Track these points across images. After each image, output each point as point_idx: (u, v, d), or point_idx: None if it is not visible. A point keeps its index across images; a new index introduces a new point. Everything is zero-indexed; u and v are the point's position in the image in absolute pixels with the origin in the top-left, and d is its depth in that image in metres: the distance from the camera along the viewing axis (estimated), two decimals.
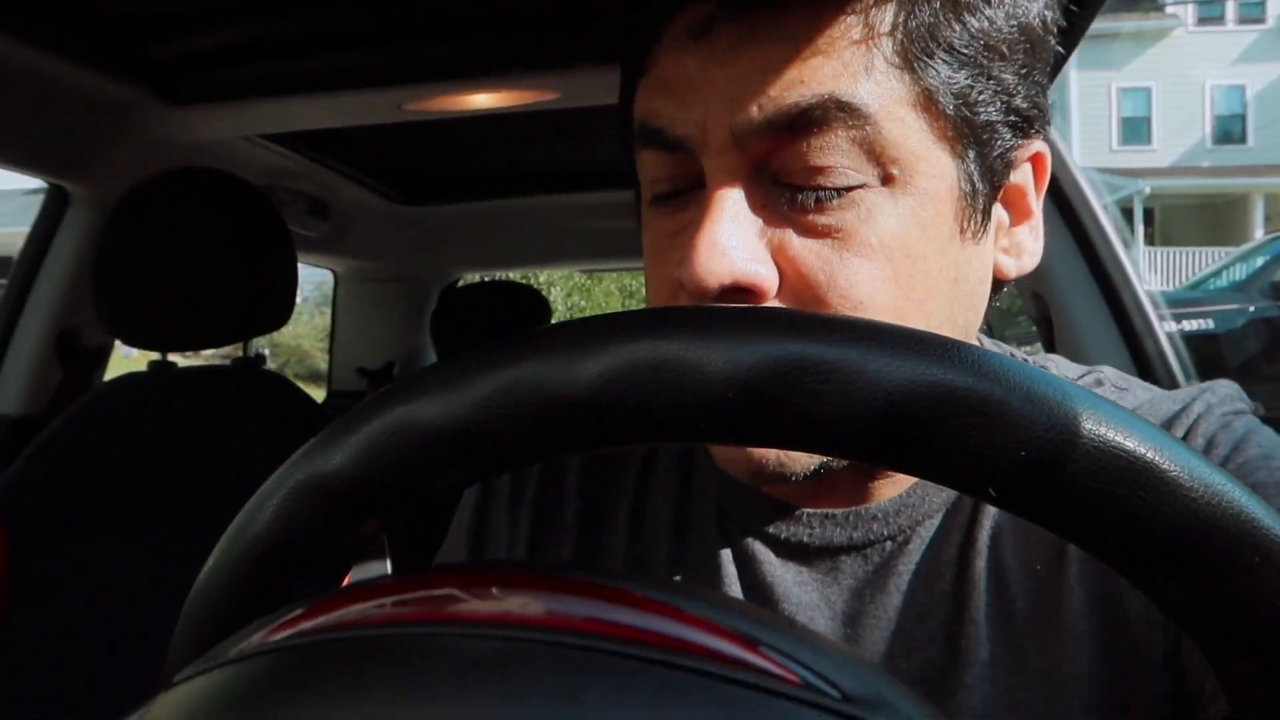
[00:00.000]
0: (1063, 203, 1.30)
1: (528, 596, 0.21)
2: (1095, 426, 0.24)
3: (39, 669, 1.21)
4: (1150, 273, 16.45)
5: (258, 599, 0.32)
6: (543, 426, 0.28)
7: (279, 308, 1.34)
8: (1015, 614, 0.50)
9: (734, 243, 0.46)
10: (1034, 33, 0.49)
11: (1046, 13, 0.51)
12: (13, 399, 1.61)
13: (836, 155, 0.45)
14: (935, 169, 0.47)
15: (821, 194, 0.46)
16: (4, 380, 1.60)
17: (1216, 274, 9.03)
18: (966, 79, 0.47)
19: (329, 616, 0.21)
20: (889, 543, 0.54)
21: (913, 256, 0.47)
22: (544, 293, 3.01)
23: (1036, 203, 0.54)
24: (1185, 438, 0.52)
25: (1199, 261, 15.63)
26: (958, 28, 0.46)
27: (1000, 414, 0.24)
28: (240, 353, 1.49)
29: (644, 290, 0.58)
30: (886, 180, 0.46)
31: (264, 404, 1.35)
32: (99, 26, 1.32)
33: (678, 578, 0.58)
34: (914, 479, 0.55)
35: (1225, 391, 0.55)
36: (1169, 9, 18.91)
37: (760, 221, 0.47)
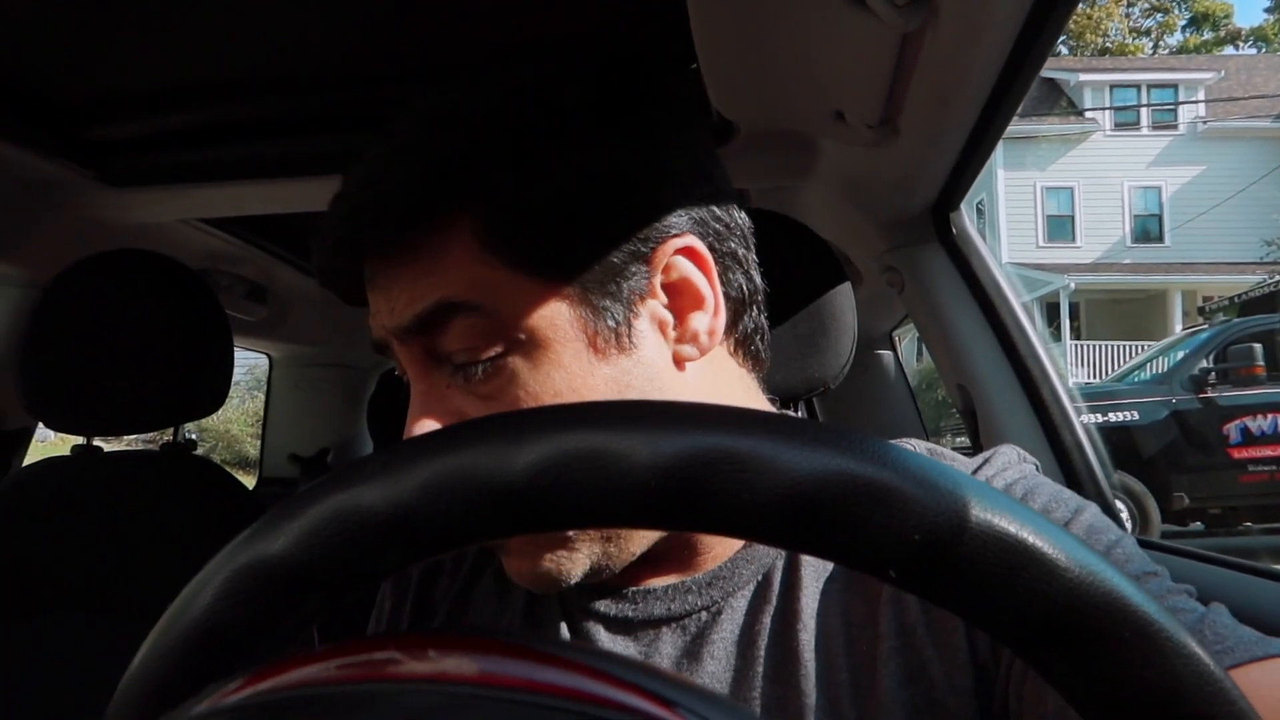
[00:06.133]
0: (984, 300, 1.35)
1: (462, 658, 0.22)
2: (980, 511, 0.27)
3: None
4: (1076, 366, 16.90)
5: (195, 683, 0.33)
6: (478, 512, 0.29)
7: (212, 393, 1.33)
8: (839, 684, 0.57)
9: (427, 424, 0.58)
10: (617, 172, 0.59)
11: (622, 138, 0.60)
12: None
13: (467, 340, 0.56)
14: (554, 321, 0.56)
15: (470, 369, 0.57)
16: None
17: (1140, 366, 9.32)
18: (551, 250, 0.57)
19: (279, 679, 0.22)
20: (703, 613, 0.61)
21: (562, 394, 0.56)
22: None
23: (707, 285, 0.61)
24: None
25: (1122, 355, 16.12)
26: (528, 219, 0.57)
27: (896, 500, 0.27)
28: (169, 437, 1.47)
29: None
30: (516, 346, 0.56)
31: (194, 491, 1.33)
32: (38, 107, 1.32)
33: None
34: (730, 553, 0.63)
35: (1012, 453, 0.65)
36: (1087, 114, 19.82)
37: (445, 396, 0.59)
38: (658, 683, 0.22)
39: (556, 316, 0.56)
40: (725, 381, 0.65)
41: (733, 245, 0.64)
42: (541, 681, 0.21)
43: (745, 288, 0.65)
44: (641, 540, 0.60)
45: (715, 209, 0.63)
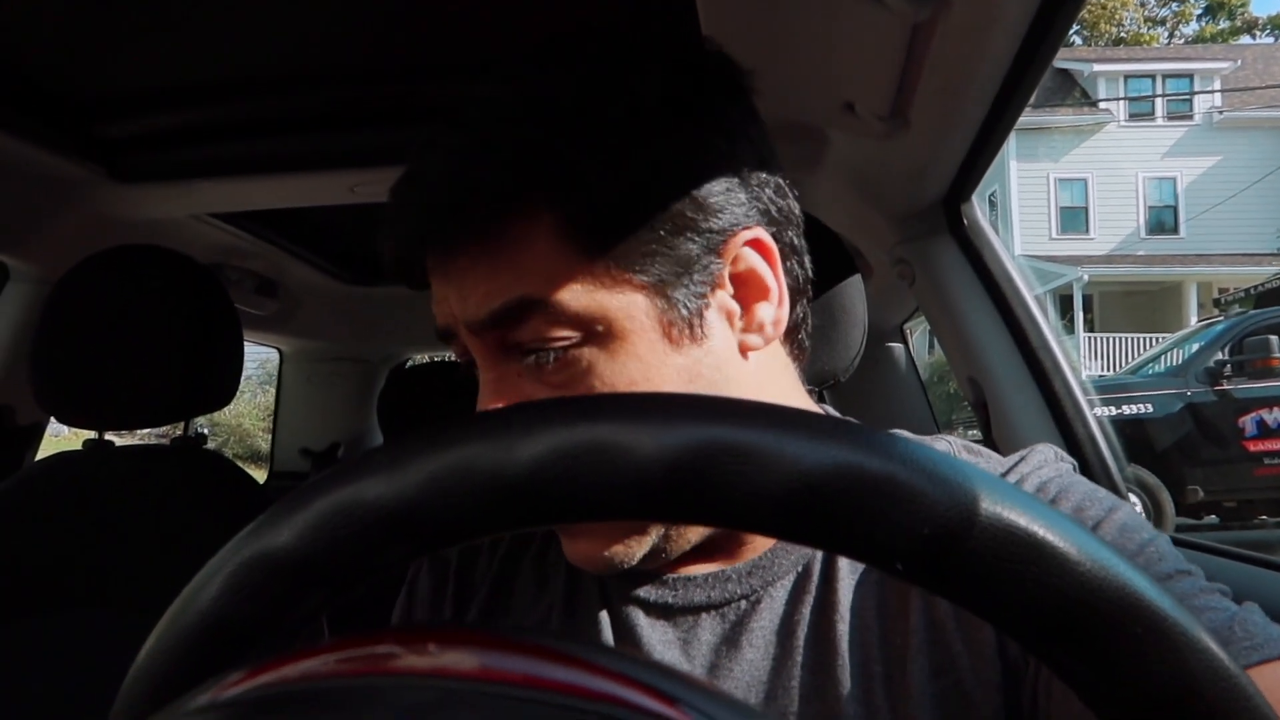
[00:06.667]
0: (995, 293, 1.34)
1: (462, 653, 0.22)
2: (991, 505, 0.26)
3: None
4: (1089, 358, 16.84)
5: (199, 676, 0.32)
6: (483, 506, 0.29)
7: (223, 387, 1.33)
8: (873, 675, 0.57)
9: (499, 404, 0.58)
10: (694, 164, 0.59)
11: (711, 137, 0.60)
12: None
13: (543, 332, 0.56)
14: (631, 312, 0.56)
15: (543, 355, 0.57)
16: None
17: (1155, 359, 9.29)
18: (632, 242, 0.56)
19: (276, 673, 0.22)
20: (743, 601, 0.62)
21: (637, 384, 0.57)
22: None
23: (772, 276, 0.61)
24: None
25: (1136, 347, 16.05)
26: (610, 211, 0.56)
27: (905, 494, 0.26)
28: (180, 431, 1.47)
29: None
30: (592, 337, 0.56)
31: (205, 485, 1.34)
32: (48, 104, 1.33)
33: None
34: (771, 543, 0.63)
35: (1049, 452, 0.64)
36: (1102, 104, 19.71)
37: (517, 385, 0.59)
38: (661, 678, 0.21)
39: (633, 308, 0.56)
40: (779, 370, 0.66)
41: (790, 235, 0.65)
42: (542, 677, 0.21)
43: (800, 277, 0.66)
44: (698, 530, 0.61)
45: (777, 199, 0.63)
